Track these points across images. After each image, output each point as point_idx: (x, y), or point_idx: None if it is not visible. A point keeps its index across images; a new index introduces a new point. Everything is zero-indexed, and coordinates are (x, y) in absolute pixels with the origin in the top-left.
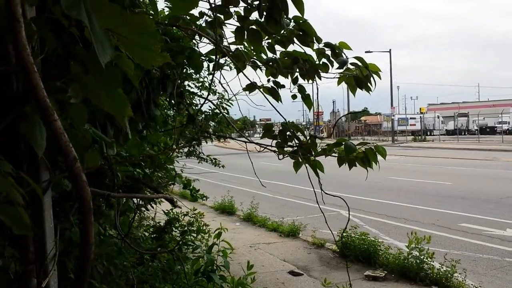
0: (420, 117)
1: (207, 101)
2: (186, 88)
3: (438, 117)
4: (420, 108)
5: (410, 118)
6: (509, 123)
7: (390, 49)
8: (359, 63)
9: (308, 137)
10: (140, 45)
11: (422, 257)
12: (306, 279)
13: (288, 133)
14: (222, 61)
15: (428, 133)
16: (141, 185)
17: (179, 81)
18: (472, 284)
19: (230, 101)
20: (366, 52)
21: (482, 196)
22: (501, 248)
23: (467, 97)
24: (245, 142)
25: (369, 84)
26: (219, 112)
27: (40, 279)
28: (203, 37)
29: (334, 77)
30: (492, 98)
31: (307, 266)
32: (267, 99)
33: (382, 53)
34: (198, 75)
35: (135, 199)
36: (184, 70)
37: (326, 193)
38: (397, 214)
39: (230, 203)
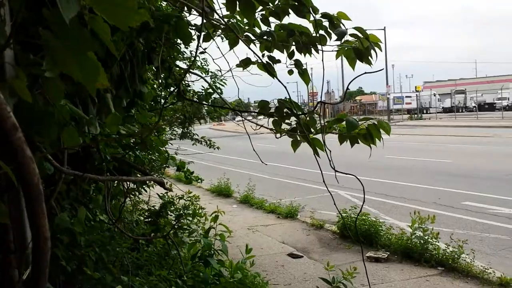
0: (416, 95)
1: (199, 78)
2: (176, 63)
3: (435, 95)
4: (416, 86)
5: (406, 97)
6: (508, 99)
7: (384, 27)
8: (360, 34)
9: (306, 114)
10: (113, 2)
11: (426, 238)
12: (306, 261)
13: (285, 109)
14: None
15: (425, 111)
16: (130, 168)
17: (166, 55)
18: (481, 265)
19: (223, 80)
20: None
21: (484, 174)
22: (509, 227)
23: (464, 74)
24: (242, 121)
25: (369, 57)
26: (212, 91)
27: (21, 270)
28: (193, 10)
29: (332, 50)
30: (490, 75)
31: (306, 248)
32: (269, 73)
33: (377, 31)
34: (189, 53)
35: (126, 183)
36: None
37: (338, 172)
38: (397, 193)
39: (226, 186)
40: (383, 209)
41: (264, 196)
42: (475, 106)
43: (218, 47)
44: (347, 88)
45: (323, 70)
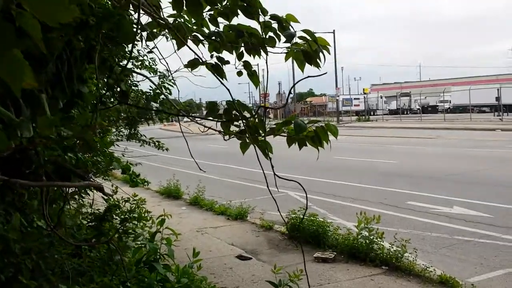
0: (364, 97)
1: (146, 79)
2: (122, 63)
3: (381, 97)
4: (364, 89)
5: (354, 99)
6: (450, 102)
7: (334, 30)
8: (308, 37)
9: (255, 116)
10: None
11: (371, 237)
12: (255, 263)
13: (234, 112)
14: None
15: (372, 113)
16: (68, 172)
17: (107, 54)
18: (423, 264)
19: (172, 81)
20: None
21: (427, 174)
22: (449, 226)
23: (409, 77)
24: (190, 122)
25: (318, 59)
26: (160, 92)
27: None
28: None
29: (282, 52)
30: (432, 78)
31: (255, 250)
32: (216, 76)
33: (326, 34)
34: (137, 53)
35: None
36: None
37: (279, 177)
38: (344, 194)
39: (175, 187)
40: (331, 210)
41: (214, 198)
42: (419, 109)
43: (174, 47)
44: (290, 92)
45: (267, 72)
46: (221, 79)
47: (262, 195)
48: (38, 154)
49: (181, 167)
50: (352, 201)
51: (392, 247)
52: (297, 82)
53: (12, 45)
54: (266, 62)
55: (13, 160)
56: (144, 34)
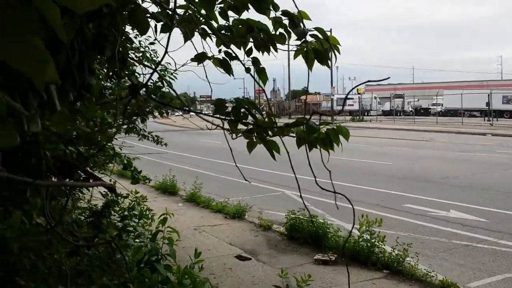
0: (358, 97)
1: (154, 72)
2: (129, 53)
3: (375, 98)
4: (358, 89)
5: (348, 98)
6: (442, 105)
7: (331, 29)
8: (319, 35)
9: (265, 115)
10: None
11: (373, 241)
12: (255, 263)
13: (242, 110)
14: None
15: (366, 113)
16: (73, 169)
17: (119, 45)
18: (424, 269)
19: (174, 74)
20: None
21: (422, 177)
22: (447, 230)
23: (402, 79)
24: (199, 116)
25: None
26: (162, 85)
27: None
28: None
29: (291, 50)
30: (425, 81)
31: (254, 250)
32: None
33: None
34: (139, 44)
35: None
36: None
37: (326, 190)
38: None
39: (172, 183)
40: (329, 210)
41: (211, 195)
42: (412, 110)
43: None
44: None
45: (289, 69)
46: (229, 74)
47: (259, 193)
48: (40, 147)
49: (175, 162)
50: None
51: (394, 251)
52: (358, 85)
53: (34, 32)
54: (288, 60)
55: (14, 153)
56: (159, 25)
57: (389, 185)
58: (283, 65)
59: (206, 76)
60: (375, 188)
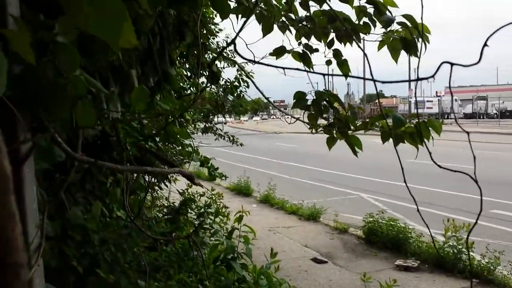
0: (438, 99)
1: (233, 65)
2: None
3: (456, 100)
4: (436, 91)
5: (427, 101)
6: None
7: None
8: (408, 23)
9: (347, 109)
10: None
11: (459, 247)
12: (331, 267)
13: (323, 102)
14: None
15: (446, 116)
16: (153, 158)
17: (199, 30)
18: None
19: (251, 73)
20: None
21: (509, 181)
22: None
23: (484, 81)
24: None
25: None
26: (238, 85)
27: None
28: None
29: (376, 40)
30: (511, 82)
31: (330, 253)
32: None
33: None
34: (216, 45)
35: (146, 176)
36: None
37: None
38: (421, 199)
39: (246, 184)
40: (408, 215)
41: (285, 197)
42: (496, 113)
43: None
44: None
45: (368, 60)
46: (309, 68)
47: (334, 196)
48: (120, 140)
49: (249, 165)
50: (429, 207)
51: (484, 259)
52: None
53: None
54: (364, 53)
55: (95, 146)
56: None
57: (472, 190)
58: (357, 69)
59: (284, 72)
60: (456, 193)
